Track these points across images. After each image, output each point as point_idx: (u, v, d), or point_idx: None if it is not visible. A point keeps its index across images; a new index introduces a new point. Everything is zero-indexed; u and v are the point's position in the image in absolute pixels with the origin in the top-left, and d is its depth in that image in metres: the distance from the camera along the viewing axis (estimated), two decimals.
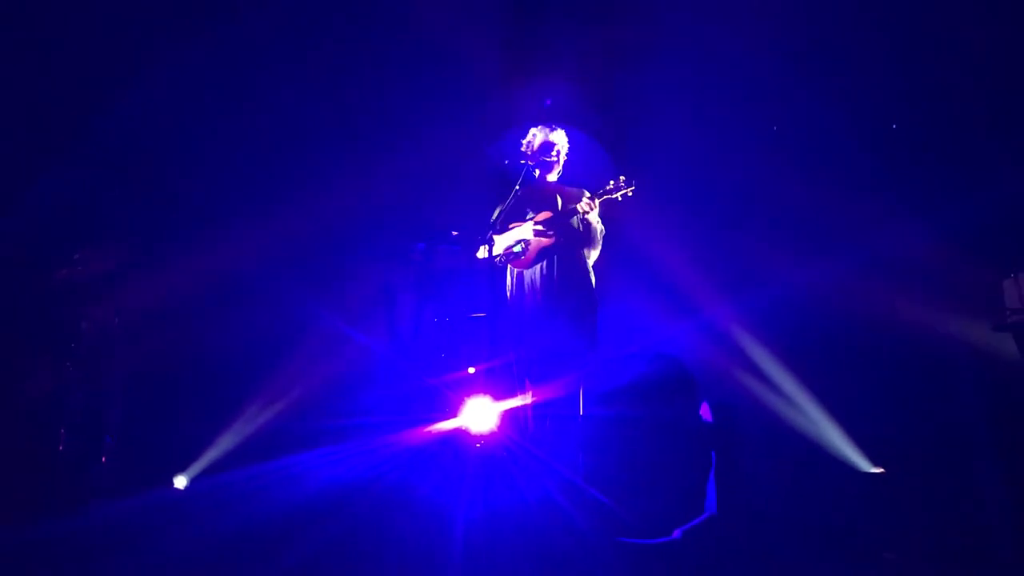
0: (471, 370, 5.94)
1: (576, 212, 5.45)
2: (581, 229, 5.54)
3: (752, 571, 4.13)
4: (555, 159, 5.65)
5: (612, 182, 5.44)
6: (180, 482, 5.84)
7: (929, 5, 6.44)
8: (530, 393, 5.40)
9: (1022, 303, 5.39)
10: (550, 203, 5.58)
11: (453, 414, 5.53)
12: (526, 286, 5.53)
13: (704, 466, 4.59)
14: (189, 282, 6.70)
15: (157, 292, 6.60)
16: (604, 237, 5.59)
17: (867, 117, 6.82)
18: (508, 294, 5.60)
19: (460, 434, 5.37)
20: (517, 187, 5.49)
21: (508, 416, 5.38)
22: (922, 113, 6.68)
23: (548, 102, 5.83)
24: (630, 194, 5.41)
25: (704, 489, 4.61)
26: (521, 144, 5.70)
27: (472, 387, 5.69)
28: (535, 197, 5.64)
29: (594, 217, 5.52)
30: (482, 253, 5.50)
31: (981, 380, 5.86)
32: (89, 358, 5.99)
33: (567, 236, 5.49)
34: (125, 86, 6.66)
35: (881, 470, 5.74)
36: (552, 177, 5.69)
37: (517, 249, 5.52)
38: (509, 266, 5.59)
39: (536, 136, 5.67)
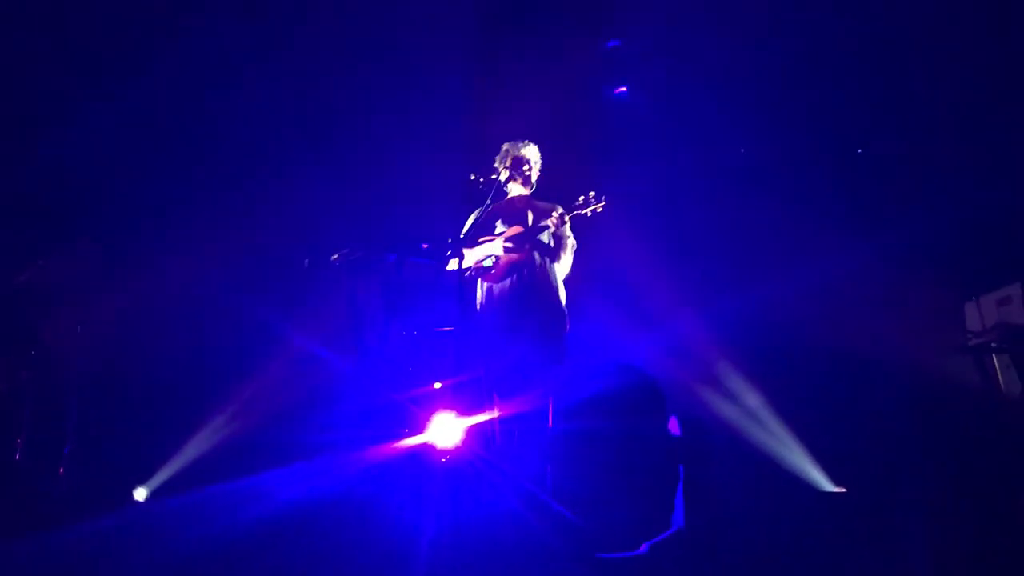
0: (437, 385, 5.91)
1: (547, 227, 5.47)
2: (552, 244, 5.55)
3: None
4: (527, 174, 5.66)
5: (583, 197, 5.46)
6: (140, 494, 5.73)
7: (893, 27, 6.56)
8: (498, 408, 5.37)
9: (983, 326, 5.51)
10: (521, 218, 5.59)
11: (419, 429, 5.48)
12: (495, 300, 5.52)
13: (672, 480, 4.61)
14: (153, 292, 6.63)
15: (120, 302, 6.52)
16: (575, 252, 5.60)
17: (831, 141, 6.92)
18: (478, 308, 5.59)
19: (426, 449, 5.33)
20: (488, 201, 5.49)
21: (475, 431, 5.35)
22: (885, 136, 6.80)
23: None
24: (600, 210, 5.44)
25: (672, 503, 4.62)
26: (494, 159, 5.71)
27: (439, 402, 5.64)
28: (506, 211, 5.65)
29: (565, 232, 5.53)
30: (452, 266, 5.49)
31: (943, 402, 5.95)
32: (48, 366, 5.88)
33: (537, 251, 5.50)
34: (91, 86, 6.58)
35: (842, 490, 5.79)
36: (524, 192, 5.70)
37: (487, 263, 5.52)
38: (479, 280, 5.58)
39: (509, 151, 5.68)
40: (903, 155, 6.73)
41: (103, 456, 6.00)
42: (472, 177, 5.59)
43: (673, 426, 4.84)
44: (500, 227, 5.59)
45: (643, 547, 4.38)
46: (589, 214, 5.45)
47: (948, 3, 6.39)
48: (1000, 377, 5.51)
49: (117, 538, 4.94)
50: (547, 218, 5.47)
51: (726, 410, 6.40)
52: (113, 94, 6.71)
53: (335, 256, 5.82)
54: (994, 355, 5.53)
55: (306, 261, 5.84)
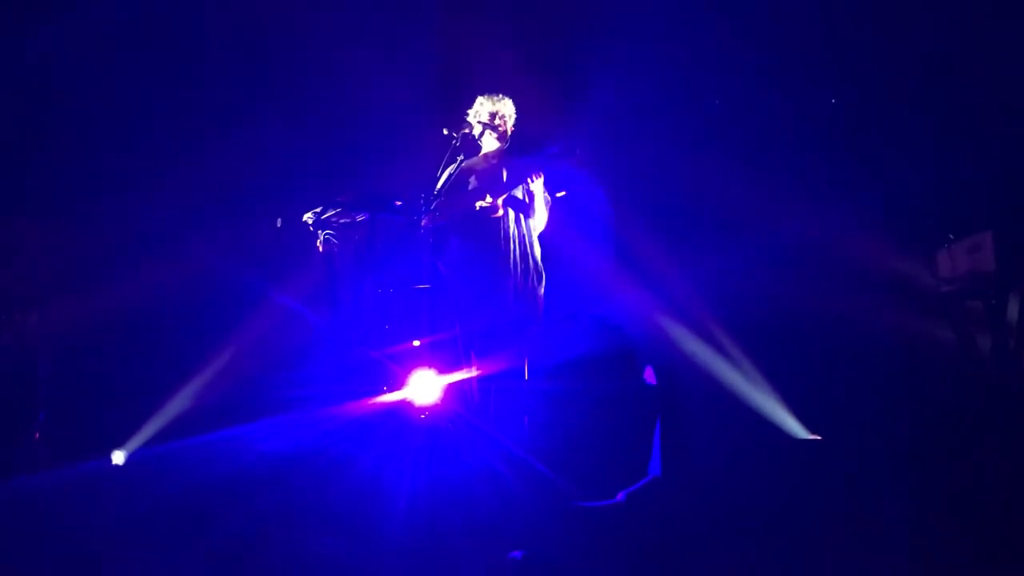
0: (415, 343, 5.91)
1: (521, 181, 5.42)
2: (526, 199, 5.51)
3: (695, 532, 4.20)
4: (501, 129, 5.59)
5: (555, 150, 5.42)
6: (118, 457, 5.72)
7: None
8: (475, 366, 5.38)
9: (954, 273, 5.56)
10: (495, 173, 5.54)
11: (397, 387, 5.49)
12: (471, 257, 5.49)
13: (648, 431, 4.67)
14: (123, 251, 6.56)
15: (91, 260, 6.45)
16: (549, 207, 5.58)
17: (803, 92, 6.91)
18: (453, 265, 5.56)
19: (404, 406, 5.34)
20: (461, 156, 5.44)
21: (453, 389, 5.37)
22: (858, 88, 6.79)
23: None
24: (573, 162, 5.40)
25: (648, 453, 4.69)
26: (468, 113, 5.63)
27: (417, 360, 5.64)
28: (480, 167, 5.59)
29: (538, 187, 5.49)
30: (426, 223, 5.45)
31: (916, 350, 6.03)
32: (21, 330, 5.82)
33: (512, 206, 5.46)
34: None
35: (817, 437, 5.87)
36: (498, 146, 5.64)
37: (462, 219, 5.48)
38: (453, 237, 5.54)
39: (483, 105, 5.59)
40: (873, 108, 6.72)
41: (79, 421, 5.98)
42: (445, 132, 5.51)
43: (649, 376, 4.89)
44: (474, 183, 5.53)
45: (620, 496, 4.45)
46: (562, 165, 5.40)
47: None
48: (970, 323, 5.58)
49: (95, 490, 4.96)
50: (521, 173, 5.42)
51: (702, 360, 6.44)
52: (66, 49, 6.58)
53: (308, 215, 5.76)
54: (965, 301, 5.59)
55: (278, 220, 5.78)
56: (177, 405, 6.19)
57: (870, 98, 6.68)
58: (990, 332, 5.43)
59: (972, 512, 4.35)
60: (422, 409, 5.29)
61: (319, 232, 5.71)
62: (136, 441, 5.79)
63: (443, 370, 5.38)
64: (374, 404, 5.41)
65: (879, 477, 4.90)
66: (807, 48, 6.76)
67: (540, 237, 5.56)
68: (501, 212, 5.41)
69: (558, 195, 5.73)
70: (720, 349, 6.41)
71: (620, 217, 6.82)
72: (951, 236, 5.68)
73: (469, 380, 5.34)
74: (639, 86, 7.00)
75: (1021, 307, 5.44)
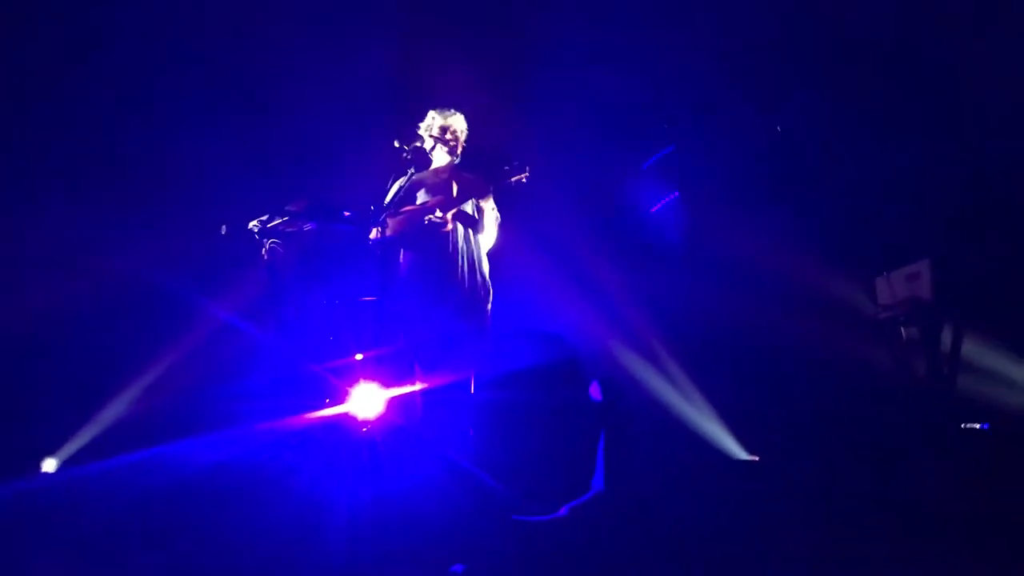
0: (359, 356, 5.84)
1: (470, 197, 5.42)
2: (475, 215, 5.52)
3: (636, 547, 4.21)
4: (453, 143, 5.59)
5: (507, 167, 5.43)
6: (49, 465, 5.56)
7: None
8: (420, 379, 5.34)
9: (893, 300, 5.69)
10: (445, 187, 5.53)
11: (340, 401, 5.43)
12: (418, 270, 5.44)
13: (592, 445, 4.67)
14: (56, 258, 6.41)
15: (21, 266, 6.29)
16: (498, 224, 5.58)
17: (749, 114, 7.03)
18: (400, 278, 5.53)
19: (346, 420, 5.28)
20: (412, 169, 5.42)
21: (397, 402, 5.31)
22: (800, 111, 6.93)
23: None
24: (524, 180, 5.42)
25: (592, 467, 4.69)
26: (419, 127, 5.62)
27: (360, 373, 5.58)
28: (430, 180, 5.58)
29: (488, 203, 5.50)
30: (374, 235, 5.41)
31: (854, 375, 6.14)
32: None
33: (461, 221, 5.45)
34: None
35: (755, 458, 5.94)
36: (449, 161, 5.64)
37: (410, 233, 5.45)
38: (401, 249, 5.52)
39: (435, 119, 5.59)
40: (815, 136, 6.87)
41: (12, 428, 5.81)
42: (396, 144, 5.49)
43: (594, 391, 4.91)
44: (423, 196, 5.52)
45: (563, 510, 4.45)
46: (513, 183, 5.42)
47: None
48: (907, 349, 5.71)
49: (24, 507, 4.81)
50: (471, 188, 5.42)
51: (645, 381, 6.50)
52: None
53: (253, 223, 5.68)
54: (902, 328, 5.73)
55: (223, 228, 5.69)
56: (110, 416, 6.05)
57: (816, 124, 6.83)
58: (926, 358, 5.55)
59: (906, 529, 4.43)
60: (364, 423, 5.23)
61: (264, 240, 5.64)
62: (68, 449, 5.65)
63: (387, 383, 5.33)
64: (316, 418, 5.34)
65: (811, 498, 4.97)
66: (748, 74, 6.89)
67: (488, 253, 5.56)
68: (450, 227, 5.40)
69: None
70: (663, 369, 6.47)
71: (568, 234, 6.87)
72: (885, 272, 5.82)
73: (413, 393, 5.30)
74: (592, 101, 7.07)
75: (956, 334, 5.58)
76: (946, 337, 5.52)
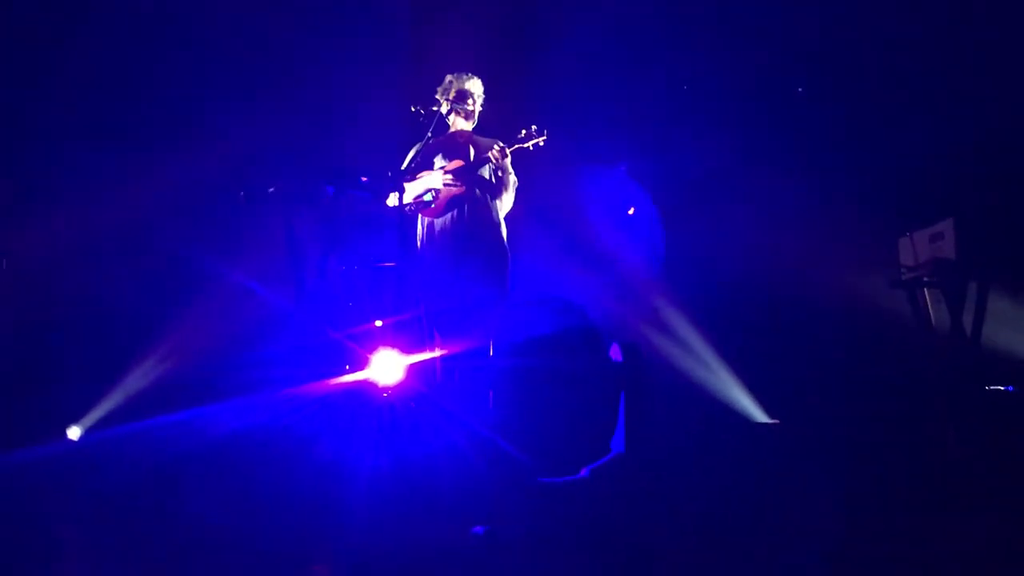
0: (378, 323, 5.85)
1: (488, 161, 5.39)
2: (493, 180, 5.48)
3: (657, 508, 4.22)
4: (470, 108, 5.53)
5: (524, 131, 5.37)
6: (74, 433, 5.61)
7: None
8: (439, 346, 5.35)
9: (916, 261, 5.61)
10: (462, 152, 5.49)
11: (360, 367, 5.44)
12: (436, 236, 5.44)
13: (612, 407, 4.67)
14: (80, 226, 6.43)
15: (45, 237, 6.32)
16: (517, 188, 5.54)
17: (771, 77, 6.94)
18: (418, 244, 5.52)
19: (366, 386, 5.30)
20: (429, 134, 5.38)
21: (416, 369, 5.33)
22: (823, 73, 6.83)
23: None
24: (542, 144, 5.36)
25: (612, 429, 4.69)
26: (436, 90, 5.57)
27: (379, 340, 5.59)
28: (447, 145, 5.54)
29: (506, 167, 5.46)
30: (392, 201, 5.38)
31: (876, 337, 6.10)
32: None
33: (478, 186, 5.43)
34: None
35: (775, 421, 5.93)
36: (466, 126, 5.58)
37: (427, 198, 5.43)
38: (419, 215, 5.50)
39: (452, 84, 5.53)
40: (842, 93, 6.78)
41: (35, 396, 5.87)
42: (413, 109, 5.45)
43: (615, 353, 4.89)
44: (441, 161, 5.49)
45: (583, 471, 4.46)
46: (531, 148, 5.37)
47: None
48: (931, 311, 5.65)
49: (50, 472, 4.87)
50: (489, 153, 5.38)
51: (665, 344, 6.48)
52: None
53: (272, 188, 5.67)
54: (925, 289, 5.66)
55: (242, 193, 5.68)
56: (135, 383, 6.10)
57: (838, 86, 6.73)
58: (949, 319, 5.49)
59: (929, 494, 4.41)
60: (384, 389, 5.24)
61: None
62: (92, 418, 5.70)
63: (407, 350, 5.34)
64: (336, 384, 5.36)
65: (834, 463, 4.96)
66: (772, 36, 6.79)
67: (506, 218, 5.53)
68: (468, 192, 5.38)
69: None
70: (683, 332, 6.45)
71: (585, 199, 6.83)
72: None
73: (433, 359, 5.30)
74: (609, 66, 7.00)
75: (980, 295, 5.51)
76: (970, 298, 5.45)
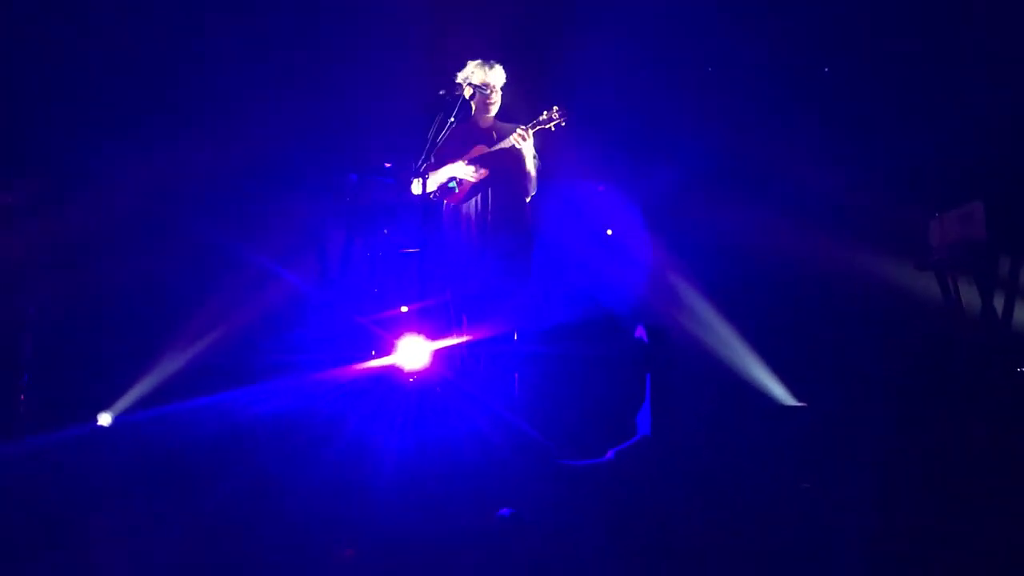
0: (404, 309, 5.88)
1: (511, 146, 5.37)
2: (515, 164, 5.46)
3: (683, 491, 4.21)
4: (492, 95, 5.52)
5: (545, 113, 5.34)
6: (104, 419, 5.69)
7: None
8: (465, 331, 5.37)
9: (946, 242, 5.54)
10: (485, 137, 5.49)
11: (386, 352, 5.48)
12: (461, 222, 5.46)
13: (638, 390, 4.66)
14: (110, 214, 6.50)
15: (75, 225, 6.39)
16: (539, 171, 5.53)
17: (797, 59, 6.87)
18: (443, 230, 5.53)
19: (392, 371, 5.33)
20: (452, 121, 5.38)
21: (442, 354, 5.35)
22: (852, 56, 6.76)
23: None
24: (563, 124, 5.33)
25: (637, 411, 4.68)
26: (457, 76, 5.56)
27: (405, 326, 5.62)
28: (470, 132, 5.54)
29: (528, 150, 5.44)
30: (416, 189, 5.40)
31: (905, 319, 6.04)
32: (1, 292, 5.77)
33: (501, 171, 5.42)
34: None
35: (803, 404, 5.88)
36: (488, 113, 5.57)
37: (451, 185, 5.44)
38: (444, 201, 5.51)
39: (474, 72, 5.51)
40: (871, 75, 6.70)
41: (66, 383, 5.95)
42: (441, 93, 5.44)
43: (640, 334, 4.88)
44: (463, 146, 5.49)
45: (609, 454, 4.45)
46: (552, 129, 5.34)
47: None
48: (960, 292, 5.58)
49: (82, 455, 4.94)
50: (511, 137, 5.36)
51: (691, 326, 6.45)
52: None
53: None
54: (955, 270, 5.59)
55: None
56: (165, 369, 6.17)
57: (864, 67, 6.66)
58: (979, 301, 5.42)
59: (956, 478, 4.36)
60: (410, 373, 5.27)
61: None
62: (123, 404, 5.77)
63: (432, 335, 5.36)
64: (362, 369, 5.39)
65: (863, 447, 4.92)
66: (797, 20, 6.73)
67: (530, 202, 5.53)
68: (490, 176, 5.38)
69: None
70: (709, 314, 6.43)
71: (609, 184, 6.81)
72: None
73: (458, 345, 5.32)
74: (631, 52, 6.96)
75: (1011, 276, 5.43)
76: (1001, 279, 5.38)
